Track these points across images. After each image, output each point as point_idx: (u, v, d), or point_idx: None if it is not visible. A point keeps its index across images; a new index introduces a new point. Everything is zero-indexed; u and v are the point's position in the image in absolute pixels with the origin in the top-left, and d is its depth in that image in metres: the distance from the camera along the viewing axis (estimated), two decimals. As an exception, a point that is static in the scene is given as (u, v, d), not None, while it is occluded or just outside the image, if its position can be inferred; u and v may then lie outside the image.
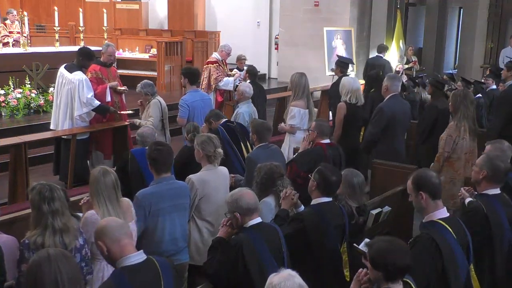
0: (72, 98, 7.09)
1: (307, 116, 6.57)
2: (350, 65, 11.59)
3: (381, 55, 11.46)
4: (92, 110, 7.11)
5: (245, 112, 6.71)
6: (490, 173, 3.92)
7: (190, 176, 4.53)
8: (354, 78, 6.93)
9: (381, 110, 6.13)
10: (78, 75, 7.05)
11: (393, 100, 6.20)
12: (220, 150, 4.64)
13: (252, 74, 8.55)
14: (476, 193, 4.17)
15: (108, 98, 7.29)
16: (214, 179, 4.58)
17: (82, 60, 7.20)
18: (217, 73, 8.73)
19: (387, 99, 6.23)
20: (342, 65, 7.87)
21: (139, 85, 6.94)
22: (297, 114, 6.47)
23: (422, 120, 6.89)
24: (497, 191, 3.96)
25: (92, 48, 7.95)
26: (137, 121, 7.00)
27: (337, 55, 8.57)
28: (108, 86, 7.27)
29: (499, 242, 3.85)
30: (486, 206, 3.84)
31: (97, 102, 7.06)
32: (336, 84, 7.58)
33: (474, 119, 6.00)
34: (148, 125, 6.45)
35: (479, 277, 3.53)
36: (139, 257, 2.84)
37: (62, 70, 7.22)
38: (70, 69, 7.13)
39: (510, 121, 6.65)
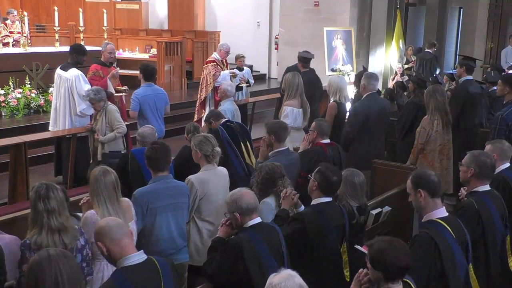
0: (70, 95, 7.12)
1: (300, 115, 6.62)
2: (350, 65, 11.69)
3: (429, 50, 11.92)
4: None
5: (227, 109, 6.77)
6: (477, 170, 3.94)
7: (190, 176, 4.52)
8: (341, 77, 7.00)
9: (356, 109, 6.22)
10: (74, 71, 7.10)
11: (369, 98, 6.25)
12: (218, 149, 4.63)
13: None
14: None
15: (112, 90, 7.33)
16: (213, 179, 4.57)
17: (75, 56, 7.25)
18: (215, 70, 8.75)
19: (364, 98, 6.30)
20: (303, 60, 8.12)
21: (89, 92, 6.54)
22: (290, 113, 6.51)
23: (402, 116, 6.98)
24: (487, 187, 3.98)
25: (93, 48, 7.97)
26: (101, 138, 6.46)
27: (299, 52, 8.80)
28: (107, 78, 7.29)
29: (491, 238, 3.87)
30: (478, 203, 3.85)
31: None
32: None
33: (447, 111, 6.14)
34: (119, 131, 6.44)
35: (476, 275, 3.54)
36: (139, 257, 2.84)
37: (58, 71, 7.28)
38: (65, 68, 7.18)
39: (464, 115, 6.80)
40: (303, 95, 6.75)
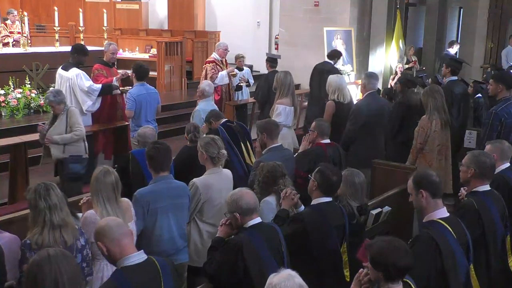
0: (72, 95, 7.12)
1: (292, 113, 6.75)
2: (350, 65, 11.69)
3: (449, 50, 12.31)
4: (98, 95, 7.16)
5: (202, 110, 6.78)
6: (477, 170, 3.94)
7: (194, 180, 4.50)
8: (340, 76, 7.09)
9: (358, 108, 6.29)
10: (75, 70, 7.11)
11: (370, 98, 6.36)
12: (224, 151, 4.61)
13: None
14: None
15: (117, 84, 7.37)
16: (218, 182, 4.56)
17: (77, 56, 7.26)
18: (212, 72, 8.77)
19: (365, 97, 6.42)
20: (271, 60, 8.64)
21: (49, 94, 6.21)
22: (282, 112, 6.60)
23: (391, 116, 7.06)
24: (487, 187, 3.98)
25: (93, 48, 7.96)
26: (55, 137, 6.12)
27: (266, 53, 9.07)
28: (114, 79, 7.33)
29: (492, 238, 3.87)
30: (478, 203, 3.86)
31: (98, 86, 7.14)
32: (265, 79, 8.22)
33: (446, 110, 6.18)
34: (77, 134, 6.12)
35: (476, 275, 3.54)
36: (139, 257, 2.84)
37: (59, 71, 7.29)
38: (67, 68, 7.19)
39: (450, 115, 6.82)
40: (295, 94, 6.89)
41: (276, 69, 8.49)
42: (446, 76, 7.29)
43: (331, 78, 6.96)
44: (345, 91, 6.71)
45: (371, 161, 5.86)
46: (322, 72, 8.72)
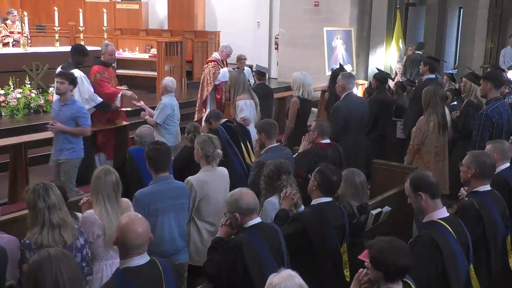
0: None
1: (253, 106, 6.78)
2: (350, 65, 11.69)
3: None
4: (94, 106, 7.10)
5: (167, 104, 6.94)
6: (478, 170, 3.93)
7: (189, 178, 4.52)
8: (305, 73, 7.10)
9: (337, 110, 6.27)
10: (76, 72, 7.06)
11: (348, 98, 6.36)
12: (219, 151, 4.63)
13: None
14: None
15: (118, 104, 7.33)
16: (213, 179, 4.58)
17: (77, 57, 7.23)
18: (215, 69, 8.79)
19: (343, 97, 6.39)
20: (259, 73, 8.48)
21: None
22: (243, 106, 6.67)
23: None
24: (487, 187, 3.97)
25: (93, 48, 7.92)
26: None
27: (256, 65, 9.04)
28: (121, 93, 7.30)
29: (492, 239, 3.86)
30: (478, 203, 3.84)
31: (99, 99, 7.08)
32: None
33: (444, 114, 6.18)
34: None
35: (477, 275, 3.54)
36: (143, 259, 2.84)
37: (59, 71, 7.24)
38: (67, 68, 7.14)
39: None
40: (251, 89, 6.96)
41: (263, 81, 8.60)
42: (425, 74, 7.38)
43: (296, 75, 7.03)
44: (310, 88, 6.80)
45: (353, 161, 5.81)
46: (417, 63, 8.85)
